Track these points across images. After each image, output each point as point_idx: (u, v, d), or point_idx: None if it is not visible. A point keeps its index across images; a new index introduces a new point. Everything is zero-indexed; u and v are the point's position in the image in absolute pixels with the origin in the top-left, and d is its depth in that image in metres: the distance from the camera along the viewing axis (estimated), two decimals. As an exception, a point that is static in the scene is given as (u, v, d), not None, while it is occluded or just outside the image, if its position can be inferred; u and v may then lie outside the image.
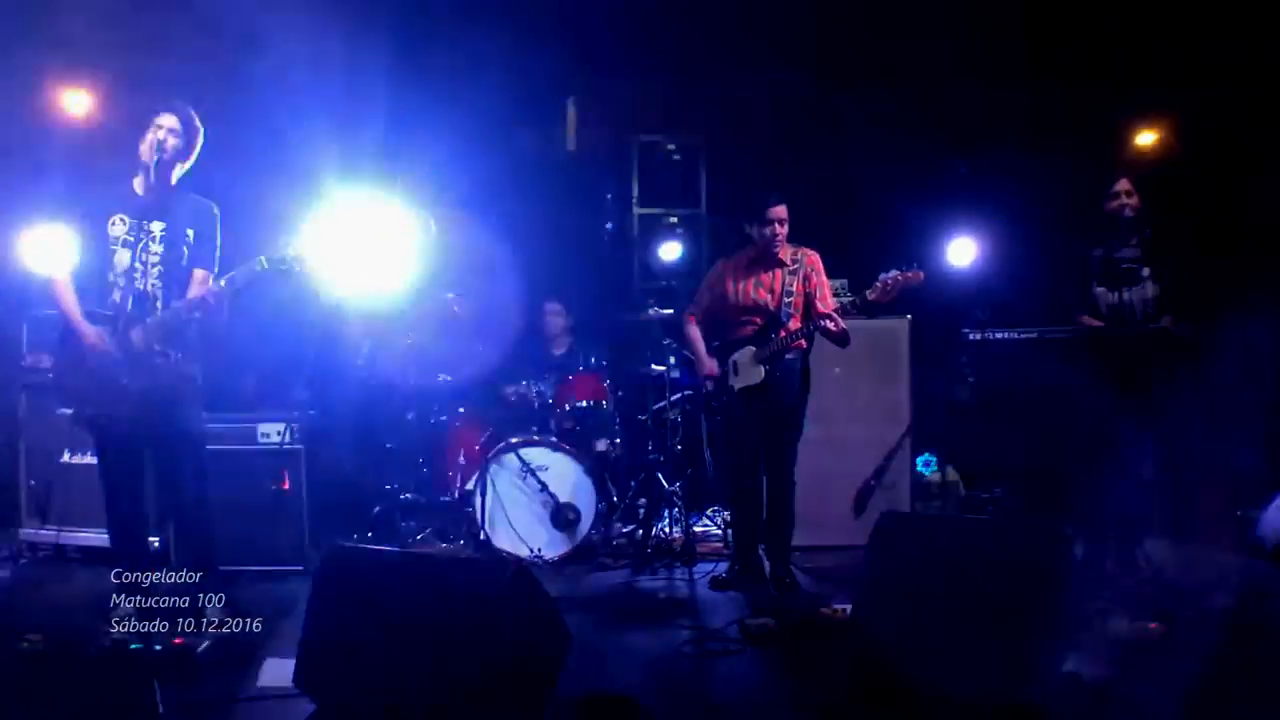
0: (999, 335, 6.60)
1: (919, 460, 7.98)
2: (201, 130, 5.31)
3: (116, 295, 5.13)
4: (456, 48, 8.78)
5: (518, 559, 6.83)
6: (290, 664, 4.21)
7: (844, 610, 5.32)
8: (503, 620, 3.73)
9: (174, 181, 5.29)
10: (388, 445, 7.69)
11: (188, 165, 5.37)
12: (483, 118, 9.15)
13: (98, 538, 6.58)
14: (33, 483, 7.01)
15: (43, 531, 6.99)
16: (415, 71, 8.95)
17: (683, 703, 4.38)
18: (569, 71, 9.00)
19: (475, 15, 8.72)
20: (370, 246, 7.39)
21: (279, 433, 6.70)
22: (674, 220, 8.80)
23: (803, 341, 6.40)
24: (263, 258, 5.08)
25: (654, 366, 7.95)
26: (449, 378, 7.59)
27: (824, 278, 6.49)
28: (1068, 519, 6.16)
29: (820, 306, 6.33)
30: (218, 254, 5.37)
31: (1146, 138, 8.08)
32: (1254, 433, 7.13)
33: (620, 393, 8.18)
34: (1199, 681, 4.16)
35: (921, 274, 6.04)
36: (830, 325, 6.16)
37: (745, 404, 6.45)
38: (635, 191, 9.08)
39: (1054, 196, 8.03)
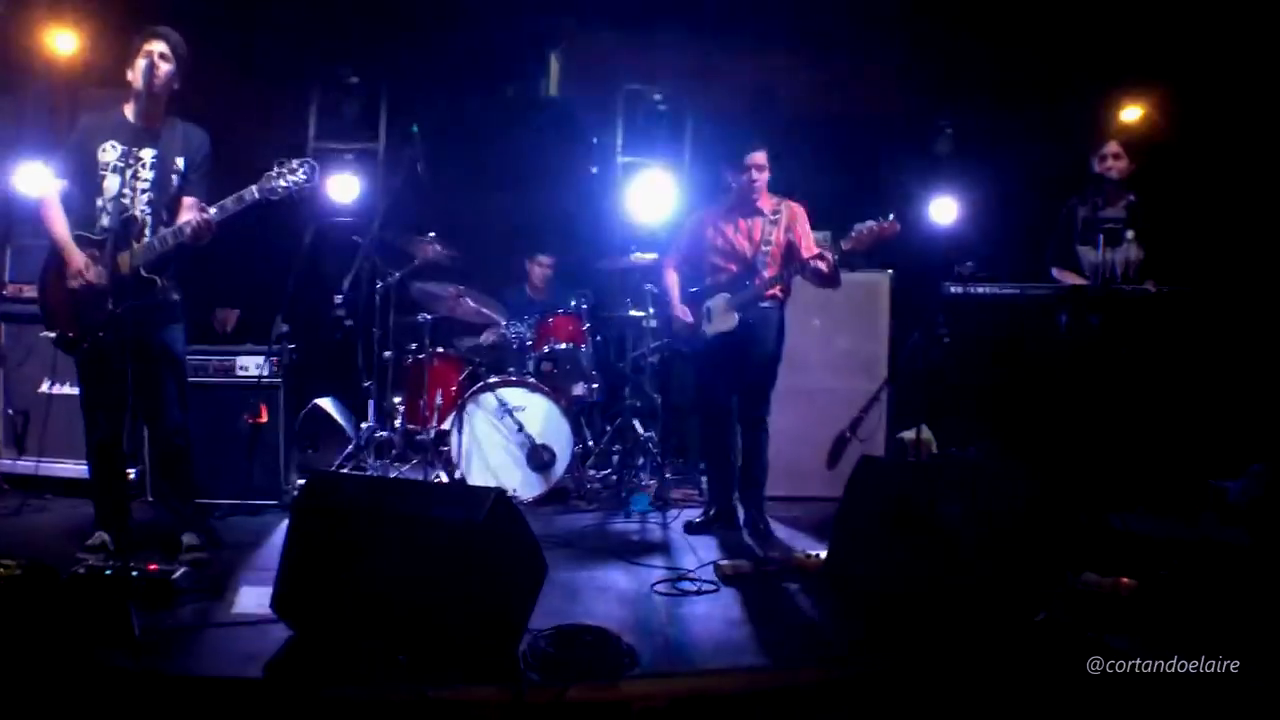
0: (980, 290, 6.62)
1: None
2: (188, 57, 5.26)
3: (104, 220, 5.11)
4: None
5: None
6: (267, 592, 4.25)
7: (818, 555, 5.37)
8: (482, 547, 3.76)
9: (164, 108, 5.25)
10: (366, 383, 7.69)
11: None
12: (468, 65, 9.14)
13: (76, 468, 6.58)
14: (10, 412, 7.00)
15: (20, 462, 6.97)
16: (402, 20, 8.92)
17: (655, 638, 4.40)
18: (554, 21, 8.97)
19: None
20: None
21: (258, 366, 6.70)
22: (659, 168, 8.77)
23: (778, 290, 6.42)
24: (254, 186, 5.07)
25: (633, 312, 7.98)
26: (429, 317, 7.58)
27: (807, 227, 6.48)
28: (1042, 475, 6.24)
29: (805, 253, 6.33)
30: (207, 183, 5.34)
31: (1133, 108, 8.07)
32: (1230, 401, 7.20)
33: (599, 337, 8.22)
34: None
35: (897, 225, 6.01)
36: (822, 265, 6.14)
37: (719, 350, 6.48)
38: (620, 140, 9.08)
39: (1039, 154, 8.06)
